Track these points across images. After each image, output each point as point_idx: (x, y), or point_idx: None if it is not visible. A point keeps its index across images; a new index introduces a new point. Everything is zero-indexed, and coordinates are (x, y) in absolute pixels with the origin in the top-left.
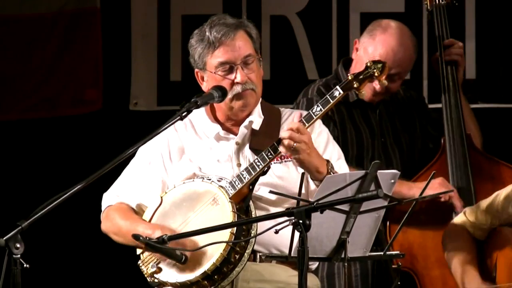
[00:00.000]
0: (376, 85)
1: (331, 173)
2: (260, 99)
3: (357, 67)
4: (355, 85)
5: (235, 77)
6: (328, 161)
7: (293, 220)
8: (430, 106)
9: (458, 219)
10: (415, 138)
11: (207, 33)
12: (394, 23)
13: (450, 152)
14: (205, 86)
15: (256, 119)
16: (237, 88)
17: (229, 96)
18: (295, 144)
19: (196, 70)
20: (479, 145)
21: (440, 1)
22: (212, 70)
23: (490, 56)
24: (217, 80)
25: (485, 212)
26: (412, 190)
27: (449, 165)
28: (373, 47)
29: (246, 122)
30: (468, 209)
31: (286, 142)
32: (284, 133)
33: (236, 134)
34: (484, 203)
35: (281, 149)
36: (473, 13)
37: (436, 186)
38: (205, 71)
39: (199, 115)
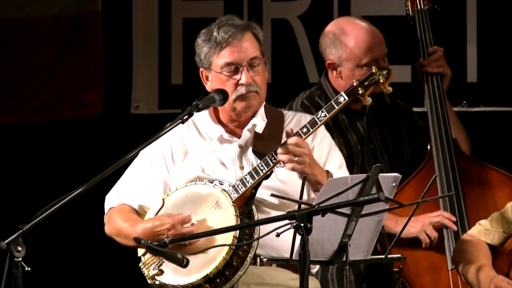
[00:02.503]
0: None
1: None
2: (264, 102)
3: (348, 79)
4: (360, 91)
5: (240, 78)
6: (328, 171)
7: (295, 223)
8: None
9: (472, 230)
10: (402, 144)
11: (214, 33)
12: (343, 20)
13: (437, 158)
14: (209, 86)
15: (260, 122)
16: (241, 90)
17: (233, 97)
18: (296, 158)
19: (201, 69)
20: (468, 151)
21: (422, 7)
22: (218, 70)
23: (491, 59)
24: (222, 80)
25: (498, 220)
26: (399, 225)
27: (436, 171)
28: (350, 48)
29: (249, 125)
30: (482, 220)
31: (284, 157)
32: (282, 149)
33: (239, 137)
34: (498, 212)
35: (281, 160)
36: (475, 17)
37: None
38: (210, 71)
39: (202, 116)
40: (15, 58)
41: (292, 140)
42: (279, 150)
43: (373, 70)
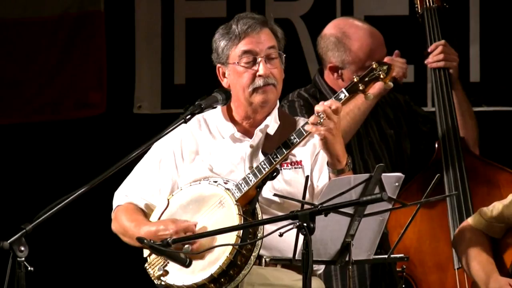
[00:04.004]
0: None
1: (348, 168)
2: (278, 103)
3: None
4: (360, 88)
5: (258, 70)
6: (348, 155)
7: (298, 223)
8: (432, 110)
9: (472, 218)
10: (401, 136)
11: (233, 26)
12: (342, 22)
13: (446, 156)
14: (226, 82)
15: (272, 123)
16: (259, 82)
17: (250, 89)
18: (322, 119)
19: (218, 65)
20: (474, 139)
21: (431, 4)
22: (235, 61)
23: (494, 59)
24: (239, 72)
25: (501, 210)
26: None
27: (444, 170)
28: (354, 52)
29: (262, 126)
30: (483, 208)
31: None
32: (318, 106)
33: (251, 137)
34: (500, 201)
35: (307, 127)
36: (477, 16)
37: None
38: (227, 65)
39: (215, 114)
40: (18, 58)
41: (335, 103)
42: (316, 108)
43: (374, 66)
